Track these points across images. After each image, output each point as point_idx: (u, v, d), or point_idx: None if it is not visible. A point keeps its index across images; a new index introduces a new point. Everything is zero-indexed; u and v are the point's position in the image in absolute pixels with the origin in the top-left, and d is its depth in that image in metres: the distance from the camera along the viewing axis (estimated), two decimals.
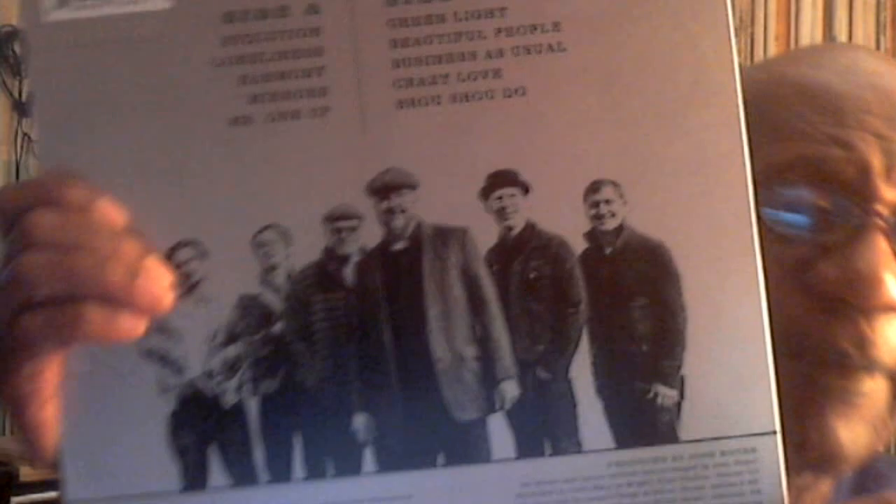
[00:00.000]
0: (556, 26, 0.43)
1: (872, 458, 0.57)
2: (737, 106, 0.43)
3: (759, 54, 3.18)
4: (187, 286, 0.44)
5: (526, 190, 0.43)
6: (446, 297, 0.43)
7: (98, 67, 0.43)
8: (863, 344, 0.52)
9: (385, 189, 0.43)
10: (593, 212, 0.43)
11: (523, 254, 0.43)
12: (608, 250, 0.43)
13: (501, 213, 0.43)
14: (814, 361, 0.53)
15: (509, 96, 0.43)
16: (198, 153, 0.43)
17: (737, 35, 0.46)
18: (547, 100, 0.43)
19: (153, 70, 0.43)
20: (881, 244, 0.52)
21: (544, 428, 0.43)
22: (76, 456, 0.44)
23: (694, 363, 0.43)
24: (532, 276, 0.43)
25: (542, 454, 0.43)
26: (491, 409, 0.43)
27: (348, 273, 0.44)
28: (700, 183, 0.43)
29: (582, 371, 0.43)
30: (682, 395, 0.43)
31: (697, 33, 0.43)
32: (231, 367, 0.44)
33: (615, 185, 0.43)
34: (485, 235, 0.43)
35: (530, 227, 0.43)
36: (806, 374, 0.53)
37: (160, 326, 0.43)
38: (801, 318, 0.52)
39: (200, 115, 0.43)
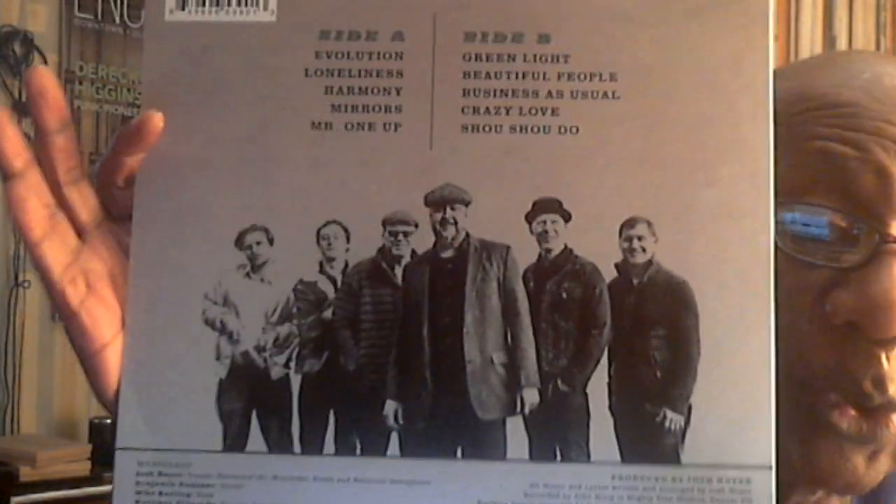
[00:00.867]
0: (613, 76, 0.48)
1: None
2: (767, 161, 0.47)
3: (771, 55, 3.19)
4: (252, 266, 0.48)
5: (567, 218, 0.48)
6: (483, 306, 0.48)
7: (205, 64, 0.49)
8: (882, 382, 0.52)
9: (441, 202, 0.48)
10: (626, 245, 0.47)
11: (558, 275, 0.48)
12: (636, 281, 0.47)
13: (542, 236, 0.48)
14: (834, 401, 0.53)
15: (563, 133, 0.48)
16: (280, 149, 0.49)
17: None
18: (596, 139, 0.48)
19: (252, 72, 0.49)
20: None
21: (557, 435, 0.47)
22: (131, 407, 0.48)
23: (702, 394, 0.47)
24: (564, 295, 0.47)
25: (552, 459, 0.47)
26: (511, 412, 0.47)
27: (398, 272, 0.48)
28: (726, 229, 0.47)
29: (598, 388, 0.47)
30: (687, 422, 0.47)
31: (735, 92, 0.47)
32: (281, 344, 0.48)
33: (649, 223, 0.47)
34: (525, 254, 0.48)
35: (567, 252, 0.48)
36: (826, 415, 0.53)
37: (224, 298, 0.48)
38: (821, 351, 0.52)
39: (287, 117, 0.49)
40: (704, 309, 0.47)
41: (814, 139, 0.54)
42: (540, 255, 0.48)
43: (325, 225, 0.48)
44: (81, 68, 2.71)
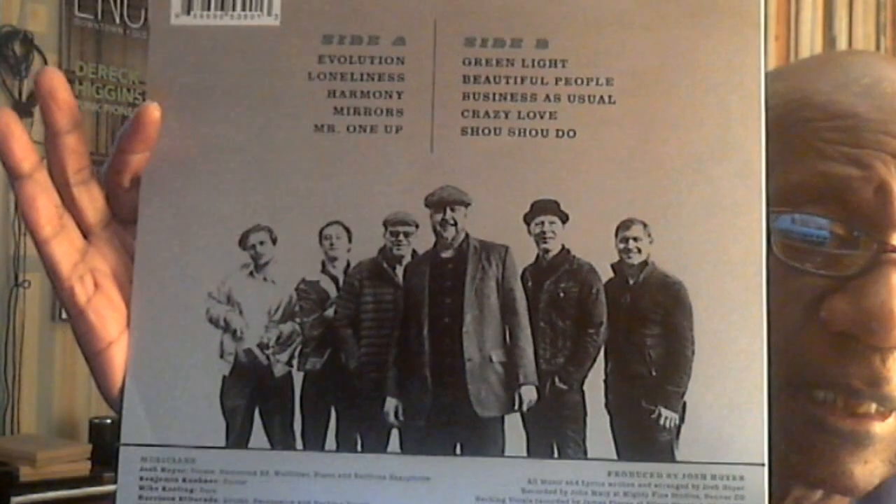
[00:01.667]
0: (609, 81, 0.49)
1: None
2: (759, 162, 0.48)
3: (763, 58, 3.18)
4: (256, 265, 0.49)
5: (565, 219, 0.49)
6: (482, 305, 0.49)
7: (210, 66, 0.50)
8: (876, 381, 0.52)
9: (441, 203, 0.49)
10: (622, 246, 0.48)
11: (555, 275, 0.49)
12: (631, 281, 0.48)
13: (541, 237, 0.49)
14: (826, 401, 0.53)
15: (560, 136, 0.49)
16: (283, 151, 0.50)
17: None
18: (593, 142, 0.49)
19: (256, 76, 0.50)
20: (895, 280, 0.51)
21: (555, 432, 0.48)
22: (136, 403, 0.49)
23: (697, 392, 0.48)
24: (561, 295, 0.48)
25: (549, 456, 0.48)
26: (509, 410, 0.48)
27: (399, 272, 0.49)
28: (719, 229, 0.48)
29: (595, 385, 0.48)
30: (682, 419, 0.48)
31: (728, 96, 0.48)
32: (284, 342, 0.49)
33: (644, 224, 0.48)
34: (523, 254, 0.49)
35: (565, 253, 0.49)
36: (820, 417, 0.53)
37: (228, 297, 0.49)
38: (815, 353, 0.53)
39: (290, 119, 0.50)
40: (698, 308, 0.48)
41: (815, 156, 0.54)
42: (538, 256, 0.49)
43: (327, 225, 0.49)
44: (81, 68, 2.72)
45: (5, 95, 2.62)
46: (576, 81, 0.49)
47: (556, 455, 0.48)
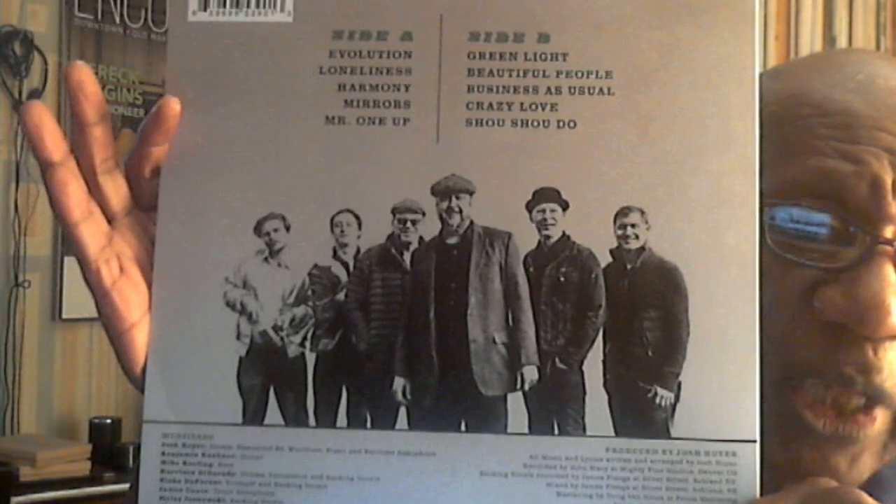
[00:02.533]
0: (609, 74, 0.51)
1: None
2: (754, 153, 0.50)
3: (758, 54, 3.18)
4: (270, 251, 0.52)
5: (565, 207, 0.51)
6: (486, 289, 0.51)
7: (226, 61, 0.52)
8: (867, 370, 0.52)
9: (447, 191, 0.51)
10: (620, 232, 0.51)
11: (556, 260, 0.51)
12: (629, 266, 0.51)
13: (542, 224, 0.51)
14: (816, 398, 0.53)
15: (561, 127, 0.51)
16: (296, 142, 0.52)
17: None
18: (593, 133, 0.51)
19: (270, 70, 0.52)
20: (888, 272, 0.52)
21: (555, 410, 0.50)
22: (157, 383, 0.51)
23: (691, 372, 0.50)
24: (562, 280, 0.51)
25: (550, 433, 0.50)
26: (512, 389, 0.50)
27: (407, 258, 0.51)
28: (714, 217, 0.50)
29: (594, 366, 0.50)
30: (677, 398, 0.50)
31: (725, 90, 0.51)
32: (297, 324, 0.51)
33: (642, 211, 0.51)
34: (526, 241, 0.51)
35: (565, 239, 0.51)
36: (809, 418, 0.54)
37: (244, 282, 0.51)
38: (808, 343, 0.53)
39: (302, 111, 0.52)
40: (694, 292, 0.50)
41: (810, 152, 0.55)
42: (539, 242, 0.51)
43: (338, 213, 0.51)
44: None
45: (5, 95, 2.63)
46: (576, 74, 0.52)
47: (556, 432, 0.50)
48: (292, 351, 0.51)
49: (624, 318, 0.50)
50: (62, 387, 2.72)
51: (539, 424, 0.50)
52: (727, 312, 0.50)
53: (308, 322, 0.51)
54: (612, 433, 0.50)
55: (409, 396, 0.50)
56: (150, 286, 0.51)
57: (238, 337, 0.51)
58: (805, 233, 0.54)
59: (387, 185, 0.51)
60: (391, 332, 0.51)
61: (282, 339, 0.51)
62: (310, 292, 0.51)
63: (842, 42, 3.32)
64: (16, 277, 2.64)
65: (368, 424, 0.50)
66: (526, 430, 0.50)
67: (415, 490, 0.50)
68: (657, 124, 0.51)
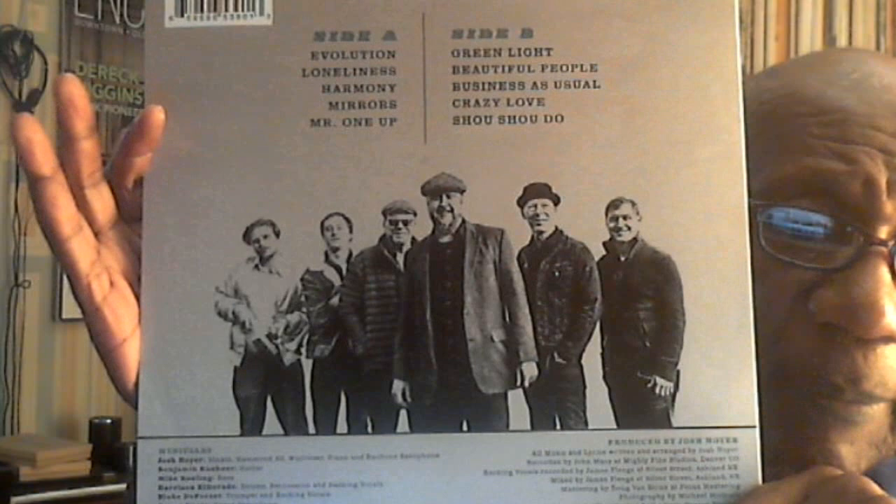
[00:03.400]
0: (594, 67, 0.51)
1: (878, 463, 0.57)
2: (739, 142, 0.50)
3: (759, 54, 3.15)
4: (261, 258, 0.51)
5: (557, 201, 0.51)
6: (482, 287, 0.51)
7: (206, 66, 0.52)
8: (856, 378, 0.53)
9: (437, 191, 0.51)
10: (612, 224, 0.50)
11: (550, 255, 0.51)
12: (623, 258, 0.50)
13: (534, 219, 0.51)
14: (811, 390, 0.54)
15: (549, 121, 0.51)
16: (282, 146, 0.51)
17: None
18: (580, 126, 0.51)
19: (252, 74, 0.52)
20: (882, 272, 0.52)
21: (556, 405, 0.50)
22: (151, 397, 0.51)
23: (689, 360, 0.50)
24: (556, 274, 0.50)
25: (552, 428, 0.50)
26: (512, 386, 0.50)
27: (400, 259, 0.51)
28: (704, 206, 0.50)
29: (592, 359, 0.50)
30: (676, 387, 0.50)
31: (709, 80, 0.50)
32: (292, 331, 0.51)
33: (633, 203, 0.50)
34: (519, 237, 0.51)
35: (558, 233, 0.51)
36: (807, 397, 0.54)
37: (235, 290, 0.51)
38: (801, 345, 0.54)
39: (287, 115, 0.51)
40: (688, 281, 0.50)
41: (804, 151, 0.54)
42: (532, 237, 0.51)
43: (328, 216, 0.51)
44: (81, 68, 2.72)
45: (5, 95, 2.61)
46: (561, 68, 0.51)
47: (558, 427, 0.50)
48: (288, 358, 0.51)
49: (620, 310, 0.50)
50: (62, 387, 2.72)
51: (540, 420, 0.50)
52: (721, 299, 0.50)
53: (303, 328, 0.51)
54: (614, 425, 0.50)
55: (409, 398, 0.50)
56: (139, 299, 0.51)
57: (232, 347, 0.51)
58: (800, 232, 0.54)
59: (376, 187, 0.51)
60: (388, 335, 0.51)
61: (277, 346, 0.51)
62: (303, 298, 0.51)
63: (842, 42, 3.31)
64: (16, 277, 2.63)
65: (369, 429, 0.50)
66: (528, 426, 0.50)
67: (419, 493, 0.49)
68: (643, 115, 0.50)
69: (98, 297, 0.49)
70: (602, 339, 0.50)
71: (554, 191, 0.51)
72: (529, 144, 0.51)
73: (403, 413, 0.50)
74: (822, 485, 0.46)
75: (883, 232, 0.53)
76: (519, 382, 0.50)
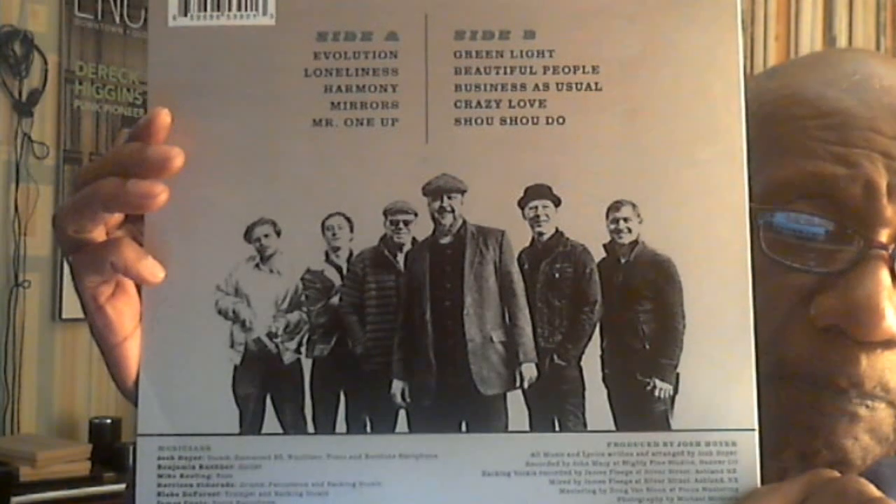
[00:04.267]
0: (595, 69, 0.51)
1: (877, 462, 0.57)
2: (740, 143, 0.50)
3: (759, 54, 3.13)
4: (262, 257, 0.51)
5: (557, 203, 0.51)
6: (482, 288, 0.51)
7: (209, 66, 0.52)
8: (859, 381, 0.53)
9: (438, 191, 0.51)
10: (613, 226, 0.50)
11: (550, 256, 0.51)
12: (623, 260, 0.50)
13: (535, 221, 0.51)
14: (813, 391, 0.54)
15: (550, 123, 0.51)
16: (283, 146, 0.51)
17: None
18: (581, 128, 0.51)
19: (254, 74, 0.52)
20: (882, 275, 0.52)
21: (555, 407, 0.50)
22: (151, 395, 0.51)
23: (688, 363, 0.50)
24: (556, 276, 0.50)
25: (551, 429, 0.50)
26: (511, 387, 0.50)
27: (400, 259, 0.51)
28: (704, 208, 0.50)
29: (592, 361, 0.50)
30: (676, 390, 0.50)
31: (710, 81, 0.50)
32: (292, 331, 0.51)
33: (634, 205, 0.50)
34: (519, 238, 0.51)
35: (558, 235, 0.51)
36: (813, 393, 0.54)
37: (236, 289, 0.51)
38: (802, 349, 0.54)
39: (289, 115, 0.51)
40: (687, 283, 0.50)
41: (804, 154, 0.54)
42: (533, 239, 0.51)
43: (329, 216, 0.51)
44: (81, 68, 2.72)
45: (5, 95, 2.61)
46: (563, 70, 0.51)
47: (557, 429, 0.50)
48: (288, 357, 0.51)
49: (620, 312, 0.50)
50: (62, 387, 2.72)
51: (540, 422, 0.50)
52: (721, 302, 0.50)
53: (303, 328, 0.51)
54: (613, 427, 0.50)
55: (408, 399, 0.50)
56: (140, 297, 0.51)
57: (232, 345, 0.51)
58: (801, 235, 0.54)
59: (377, 187, 0.51)
60: (387, 335, 0.51)
61: (277, 345, 0.51)
62: (303, 297, 0.51)
63: (842, 42, 3.31)
64: (16, 277, 2.63)
65: (368, 429, 0.50)
66: (527, 427, 0.50)
67: (417, 493, 0.49)
68: (644, 117, 0.50)
69: (102, 295, 0.49)
70: (602, 340, 0.50)
71: (555, 192, 0.51)
72: (530, 146, 0.51)
73: (402, 413, 0.50)
74: (822, 486, 0.46)
75: (883, 235, 0.53)
76: (518, 383, 0.50)
